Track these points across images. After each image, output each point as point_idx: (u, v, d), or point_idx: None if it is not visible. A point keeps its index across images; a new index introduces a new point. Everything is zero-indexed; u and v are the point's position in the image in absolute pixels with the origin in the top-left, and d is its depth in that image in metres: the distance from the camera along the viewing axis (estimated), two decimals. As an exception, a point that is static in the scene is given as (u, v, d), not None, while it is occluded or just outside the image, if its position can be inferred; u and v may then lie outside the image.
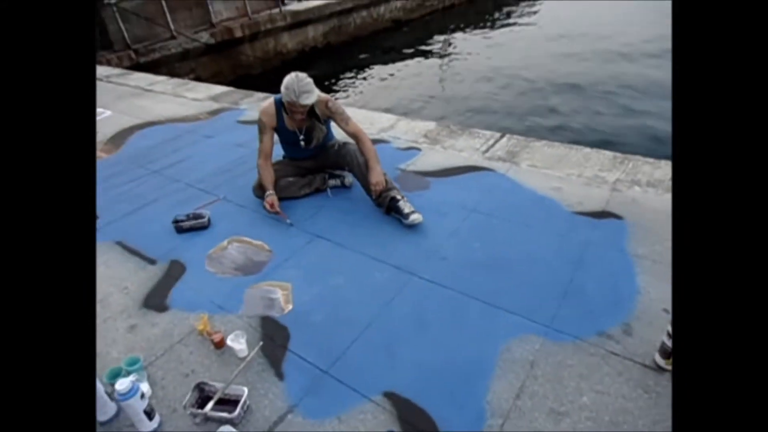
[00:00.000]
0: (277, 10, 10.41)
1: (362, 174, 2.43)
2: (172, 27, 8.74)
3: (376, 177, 2.35)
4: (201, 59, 9.32)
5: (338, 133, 2.70)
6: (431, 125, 3.54)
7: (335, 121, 2.44)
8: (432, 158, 3.01)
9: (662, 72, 7.25)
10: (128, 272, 2.20)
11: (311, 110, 2.34)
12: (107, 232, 2.55)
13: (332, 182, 2.71)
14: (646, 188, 2.44)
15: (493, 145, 3.11)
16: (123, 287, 2.10)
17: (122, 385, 1.33)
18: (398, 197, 2.33)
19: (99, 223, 2.65)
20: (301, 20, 10.90)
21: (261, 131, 2.45)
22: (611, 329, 1.65)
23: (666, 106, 5.55)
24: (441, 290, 1.91)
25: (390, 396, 1.49)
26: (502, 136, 3.23)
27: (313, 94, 2.23)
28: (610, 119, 6.12)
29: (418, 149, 3.14)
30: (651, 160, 2.72)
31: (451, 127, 3.48)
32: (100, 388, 1.44)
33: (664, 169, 2.60)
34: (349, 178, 2.70)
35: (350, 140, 2.54)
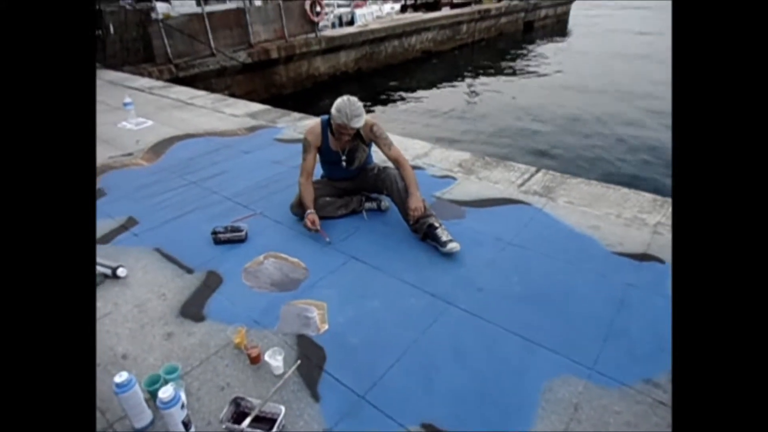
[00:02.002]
0: (312, 35, 10.79)
1: (401, 199, 2.44)
2: (212, 45, 9.12)
3: (416, 203, 2.36)
4: (237, 77, 9.66)
5: (376, 158, 2.74)
6: (466, 155, 3.56)
7: (378, 145, 2.48)
8: (467, 188, 3.02)
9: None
10: (165, 279, 2.23)
11: (356, 132, 2.39)
12: (146, 238, 2.61)
13: (368, 205, 2.73)
14: (689, 233, 2.40)
15: (528, 179, 3.11)
16: (161, 294, 2.12)
17: (166, 393, 1.33)
18: (436, 224, 2.34)
19: (138, 228, 2.71)
20: (334, 46, 11.26)
21: (305, 150, 2.51)
22: (658, 377, 1.59)
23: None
24: (478, 322, 1.88)
25: (428, 428, 1.45)
26: (537, 171, 3.23)
27: (363, 118, 2.29)
28: (645, 160, 6.08)
29: (454, 178, 3.16)
30: (692, 205, 2.67)
31: (486, 158, 3.49)
32: (138, 394, 1.44)
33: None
34: (386, 202, 2.72)
35: (390, 165, 2.57)
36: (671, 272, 0.89)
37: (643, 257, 2.23)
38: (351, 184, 2.71)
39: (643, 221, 2.53)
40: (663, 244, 2.31)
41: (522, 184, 3.04)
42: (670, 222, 2.50)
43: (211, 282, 2.19)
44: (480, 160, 3.46)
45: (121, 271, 2.23)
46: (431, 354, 1.73)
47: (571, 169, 5.26)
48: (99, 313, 2.02)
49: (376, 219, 2.69)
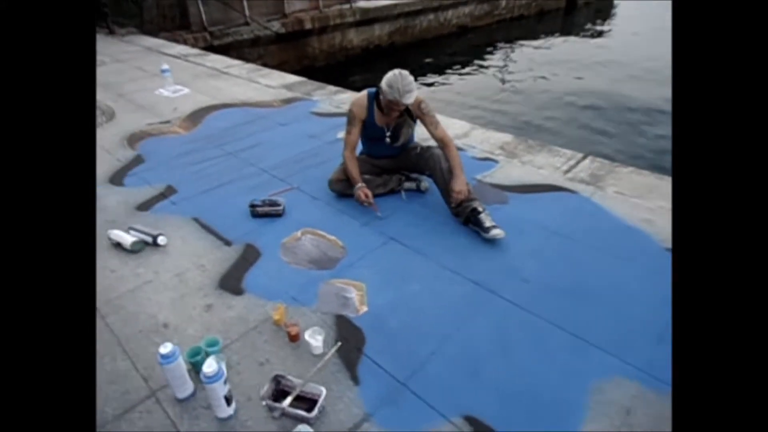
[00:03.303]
0: (347, 6, 10.51)
1: (444, 180, 2.35)
2: (247, 13, 8.99)
3: (460, 185, 2.27)
4: (270, 47, 9.54)
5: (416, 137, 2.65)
6: (508, 137, 3.42)
7: (424, 123, 2.38)
8: (510, 172, 2.89)
9: None
10: (204, 250, 2.22)
11: (405, 108, 2.29)
12: (184, 207, 2.61)
13: (407, 185, 2.65)
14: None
15: (575, 166, 2.95)
16: (200, 264, 2.12)
17: (210, 367, 1.31)
18: (480, 209, 2.24)
19: (176, 197, 2.72)
20: (369, 18, 10.96)
21: (350, 122, 2.43)
22: (718, 385, 1.49)
23: None
24: (524, 314, 1.81)
25: (471, 421, 1.41)
26: (584, 157, 3.07)
27: (414, 94, 2.19)
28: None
29: (495, 161, 3.03)
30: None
31: (528, 142, 3.34)
32: (182, 365, 1.44)
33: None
34: (426, 183, 2.63)
35: (432, 144, 2.47)
36: (671, 267, 0.89)
37: (701, 256, 2.09)
38: (391, 162, 2.63)
39: (701, 217, 2.37)
40: (723, 243, 2.16)
41: (568, 171, 2.90)
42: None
43: (249, 255, 2.17)
44: (523, 143, 3.31)
45: (161, 239, 2.23)
46: (474, 344, 1.67)
47: (620, 157, 5.01)
48: (140, 280, 2.03)
49: (414, 200, 2.61)
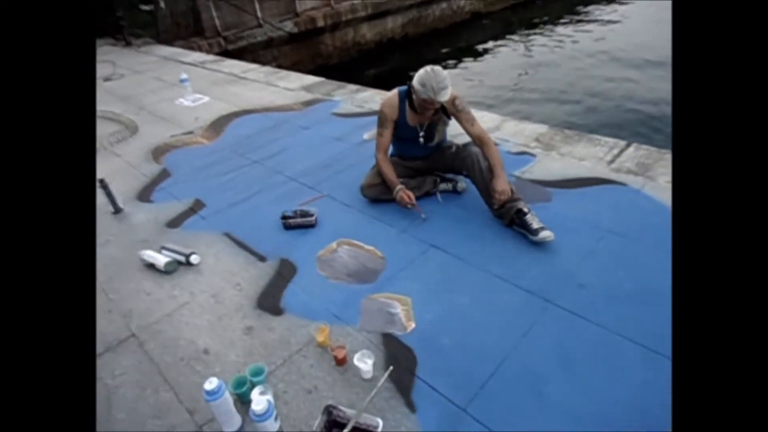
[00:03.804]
0: (358, 0, 10.34)
1: (483, 180, 2.21)
2: (259, 15, 8.92)
3: (502, 185, 2.13)
4: (283, 48, 9.47)
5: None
6: (542, 128, 3.24)
7: (459, 120, 2.23)
8: (549, 166, 2.72)
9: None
10: (239, 267, 2.14)
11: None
12: (214, 222, 2.54)
13: (443, 186, 2.51)
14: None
15: (618, 155, 2.77)
16: (235, 283, 2.04)
17: (259, 405, 1.23)
18: (525, 210, 2.10)
19: (205, 211, 2.65)
20: (381, 11, 10.75)
21: (381, 124, 2.31)
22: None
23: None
24: (586, 325, 1.66)
25: (544, 450, 1.28)
26: (628, 145, 2.87)
27: (449, 90, 2.04)
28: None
29: (532, 155, 2.87)
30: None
31: (565, 132, 3.16)
32: (228, 400, 1.36)
33: None
34: (462, 184, 2.50)
35: (466, 141, 2.33)
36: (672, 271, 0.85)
37: (777, 250, 1.90)
38: (424, 163, 2.50)
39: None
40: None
41: (612, 161, 2.71)
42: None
43: (285, 271, 2.08)
44: (559, 134, 3.13)
45: (194, 258, 2.16)
46: (536, 362, 1.54)
47: (666, 143, 4.74)
48: (177, 302, 1.97)
49: (451, 202, 2.47)
